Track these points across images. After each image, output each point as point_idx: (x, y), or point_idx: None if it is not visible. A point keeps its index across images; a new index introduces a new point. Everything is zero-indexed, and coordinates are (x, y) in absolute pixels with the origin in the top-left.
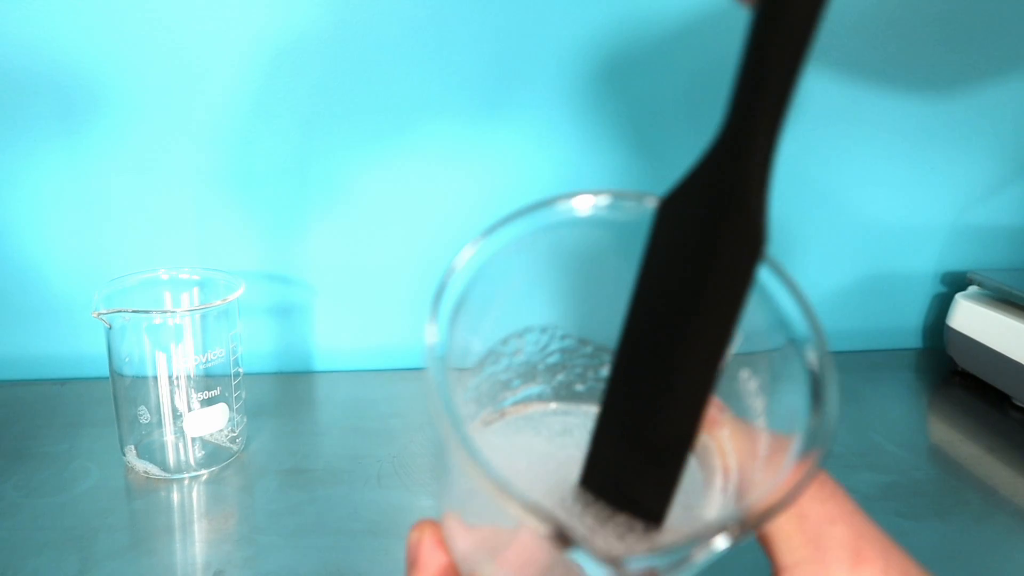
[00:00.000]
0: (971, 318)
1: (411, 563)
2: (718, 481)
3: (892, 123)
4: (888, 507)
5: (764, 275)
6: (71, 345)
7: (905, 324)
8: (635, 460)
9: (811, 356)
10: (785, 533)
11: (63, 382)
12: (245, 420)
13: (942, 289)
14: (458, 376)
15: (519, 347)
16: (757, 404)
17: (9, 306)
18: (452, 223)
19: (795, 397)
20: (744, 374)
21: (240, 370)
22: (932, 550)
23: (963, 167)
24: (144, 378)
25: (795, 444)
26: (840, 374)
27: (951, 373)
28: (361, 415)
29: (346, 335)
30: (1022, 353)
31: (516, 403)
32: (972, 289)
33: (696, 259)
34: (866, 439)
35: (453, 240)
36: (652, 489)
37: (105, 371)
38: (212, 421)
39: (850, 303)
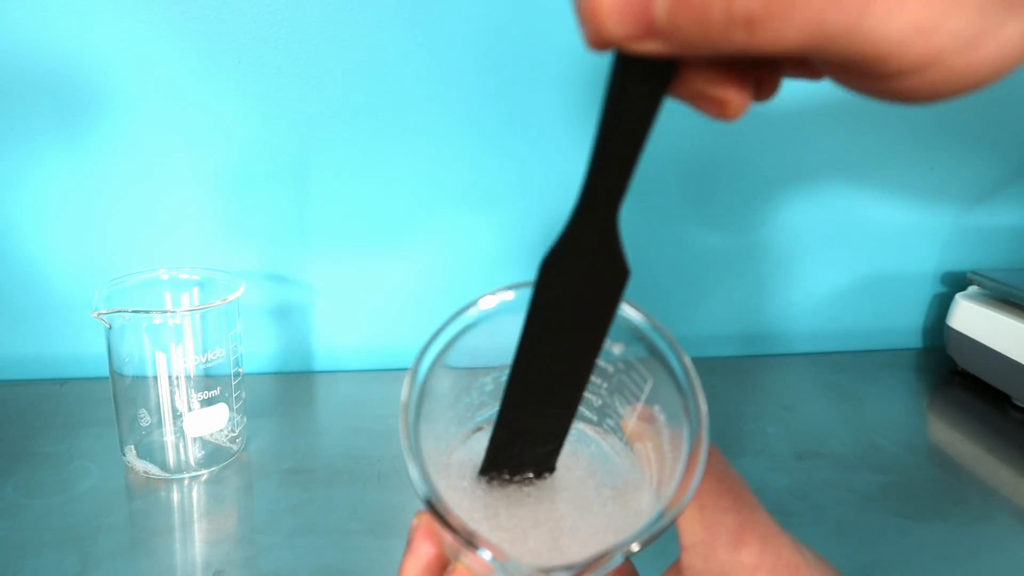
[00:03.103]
0: (971, 318)
1: (407, 547)
2: (647, 477)
3: (892, 123)
4: (888, 507)
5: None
6: (71, 345)
7: (905, 324)
8: (532, 434)
9: (675, 364)
10: (688, 518)
11: (63, 382)
12: (245, 420)
13: (942, 289)
14: (436, 409)
15: (485, 382)
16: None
17: (9, 306)
18: (452, 223)
19: (675, 402)
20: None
21: (240, 370)
22: (932, 550)
23: (963, 167)
24: (144, 378)
25: (683, 443)
26: (840, 374)
27: (951, 373)
28: (361, 415)
29: (346, 335)
30: (1022, 353)
31: (487, 418)
32: (972, 289)
33: (579, 285)
34: (866, 439)
35: (453, 240)
36: (542, 455)
37: (105, 371)
38: (212, 421)
39: (850, 303)
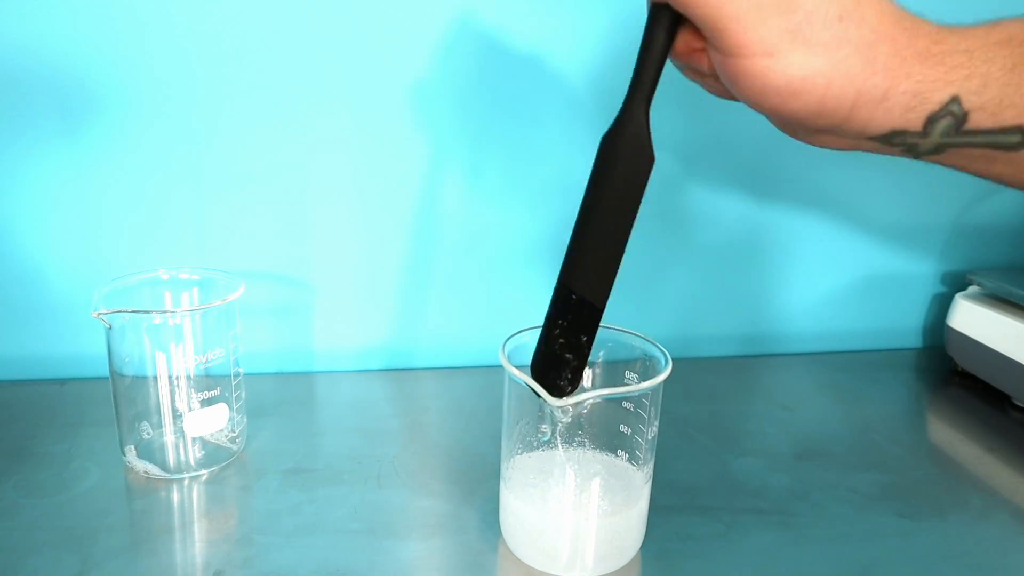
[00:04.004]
0: (971, 318)
1: None
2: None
3: None
4: (888, 507)
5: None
6: (71, 345)
7: (905, 324)
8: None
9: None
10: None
11: (63, 382)
12: (245, 420)
13: (942, 289)
14: None
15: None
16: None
17: (9, 306)
18: (452, 223)
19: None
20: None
21: (240, 370)
22: (932, 550)
23: None
24: (144, 378)
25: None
26: (840, 374)
27: (951, 373)
28: (361, 415)
29: (346, 335)
30: (1022, 353)
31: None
32: (972, 289)
33: (622, 160)
34: (866, 439)
35: (453, 240)
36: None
37: (105, 371)
38: (212, 421)
39: (850, 303)
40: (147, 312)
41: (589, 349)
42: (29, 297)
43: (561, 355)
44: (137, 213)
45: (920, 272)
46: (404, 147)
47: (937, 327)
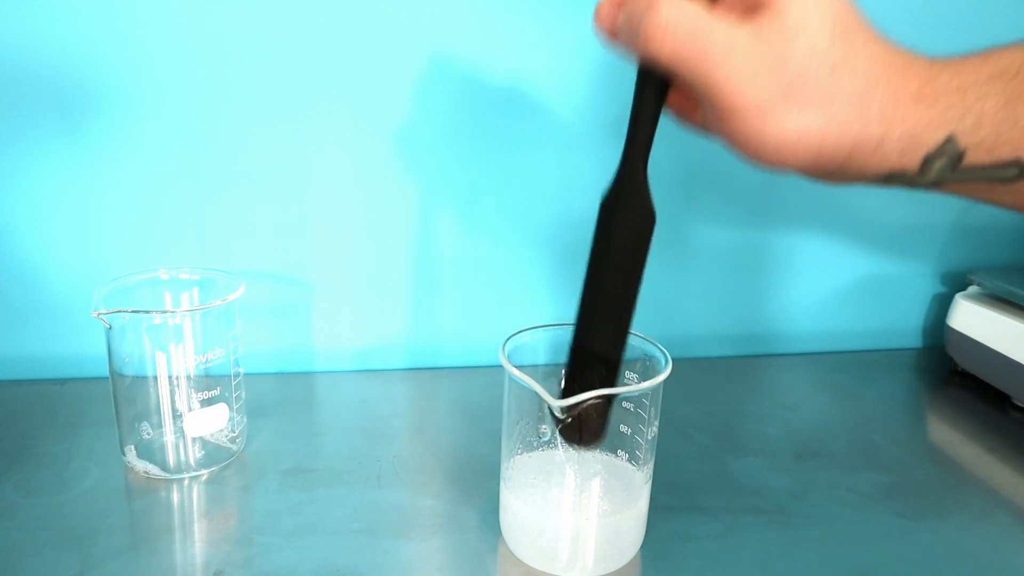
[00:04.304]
0: (971, 318)
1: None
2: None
3: None
4: (888, 507)
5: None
6: (71, 345)
7: (905, 324)
8: (594, 358)
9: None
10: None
11: (63, 382)
12: (245, 420)
13: (942, 289)
14: None
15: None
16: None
17: (9, 306)
18: (453, 223)
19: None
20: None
21: (240, 370)
22: (932, 550)
23: None
24: (144, 378)
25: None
26: (840, 374)
27: (951, 373)
28: (361, 415)
29: (346, 335)
30: (1022, 353)
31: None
32: (972, 289)
33: (622, 222)
34: (866, 439)
35: (453, 240)
36: (604, 377)
37: (105, 371)
38: (212, 421)
39: (850, 303)
40: (147, 312)
41: (611, 407)
42: (29, 297)
43: (586, 414)
44: (137, 213)
45: (920, 272)
46: (404, 147)
47: (937, 327)
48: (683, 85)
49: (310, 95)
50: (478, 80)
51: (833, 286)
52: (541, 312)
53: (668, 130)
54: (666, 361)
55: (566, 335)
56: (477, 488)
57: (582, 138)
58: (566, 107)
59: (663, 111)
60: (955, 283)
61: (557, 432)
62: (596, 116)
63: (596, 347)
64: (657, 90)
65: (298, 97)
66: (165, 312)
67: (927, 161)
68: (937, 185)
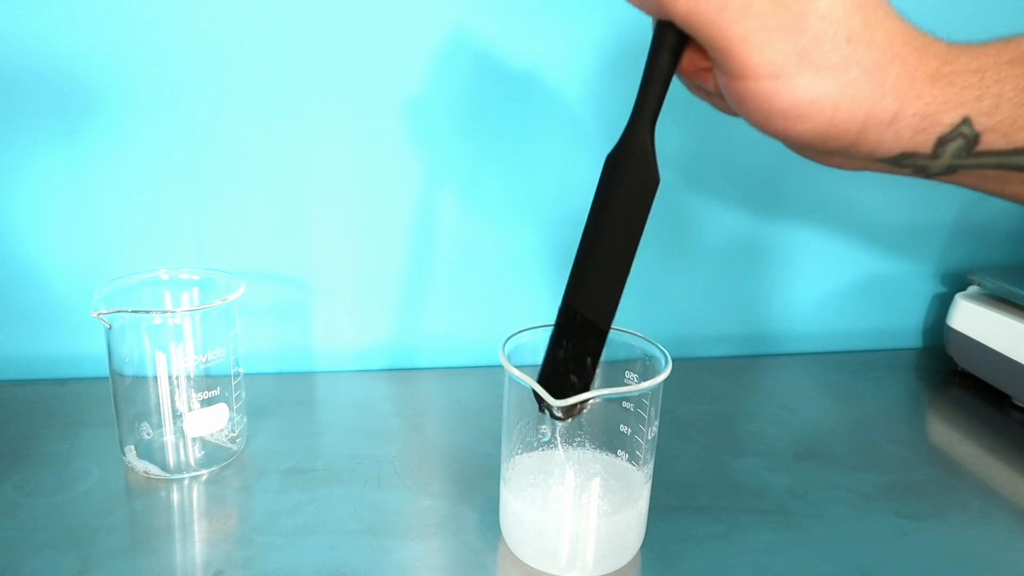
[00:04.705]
0: (971, 318)
1: None
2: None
3: None
4: (888, 507)
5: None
6: (71, 345)
7: (905, 324)
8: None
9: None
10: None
11: (63, 382)
12: (245, 420)
13: (942, 289)
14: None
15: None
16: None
17: (9, 306)
18: (453, 223)
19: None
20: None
21: (240, 370)
22: (932, 550)
23: None
24: (144, 378)
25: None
26: (840, 374)
27: (951, 373)
28: (361, 415)
29: (346, 335)
30: (1022, 353)
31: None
32: (972, 289)
33: (626, 180)
34: (866, 439)
35: (453, 240)
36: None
37: (105, 371)
38: (212, 421)
39: (850, 303)
40: (147, 312)
41: (594, 371)
42: (29, 297)
43: (565, 377)
44: (137, 213)
45: (920, 272)
46: (404, 146)
47: (937, 327)
48: (698, 44)
49: (310, 95)
50: (478, 81)
51: (833, 286)
52: (541, 312)
53: (669, 129)
54: (666, 361)
55: None
56: (477, 488)
57: (585, 138)
58: (568, 108)
59: (677, 77)
60: (955, 283)
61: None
62: (599, 118)
63: (586, 309)
64: (672, 50)
65: (298, 97)
66: (165, 312)
67: (941, 143)
68: (950, 172)
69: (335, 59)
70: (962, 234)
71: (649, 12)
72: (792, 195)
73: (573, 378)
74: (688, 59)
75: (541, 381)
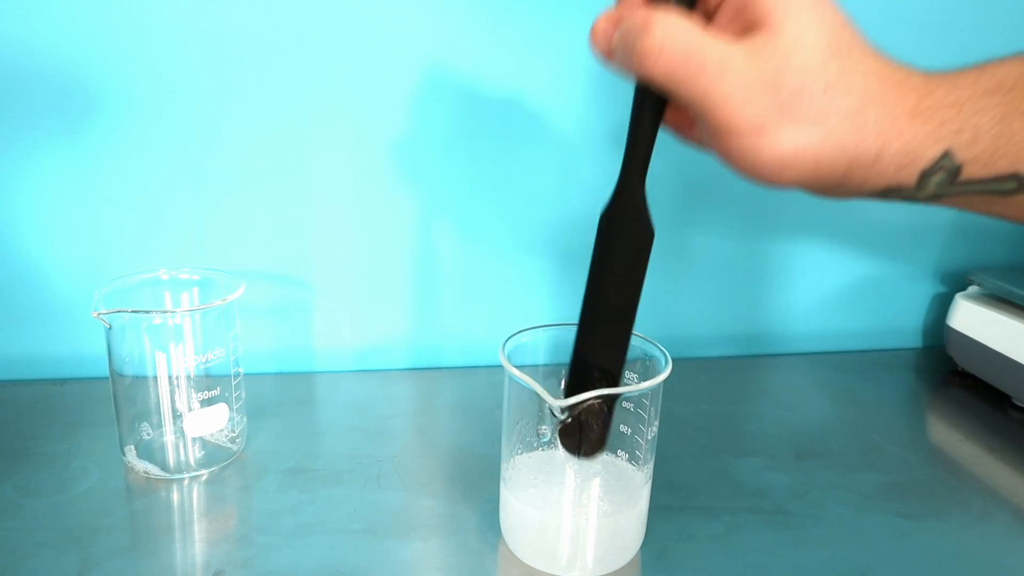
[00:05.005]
0: (971, 318)
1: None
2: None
3: None
4: (888, 507)
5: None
6: (71, 345)
7: (905, 324)
8: (593, 365)
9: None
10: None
11: (63, 382)
12: (245, 420)
13: (942, 289)
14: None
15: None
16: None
17: (9, 306)
18: (452, 223)
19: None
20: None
21: (240, 370)
22: (932, 550)
23: None
24: (144, 378)
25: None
26: (840, 374)
27: (951, 373)
28: (361, 415)
29: (346, 335)
30: (1022, 353)
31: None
32: (972, 289)
33: (621, 236)
34: (866, 439)
35: (453, 240)
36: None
37: (105, 371)
38: (212, 421)
39: (850, 303)
40: (147, 312)
41: (611, 416)
42: (29, 297)
43: (586, 421)
44: (137, 213)
45: (920, 272)
46: (404, 147)
47: (937, 327)
48: (679, 103)
49: (310, 95)
50: (478, 82)
51: (833, 286)
52: (541, 312)
53: (670, 133)
54: (666, 361)
55: (566, 335)
56: (477, 488)
57: (581, 140)
58: (565, 109)
59: (661, 128)
60: (955, 283)
61: (557, 440)
62: (595, 120)
63: (597, 359)
64: (654, 108)
65: (298, 97)
66: (165, 312)
67: (924, 176)
68: (936, 199)
69: (335, 59)
70: (962, 234)
71: (629, 75)
72: (793, 196)
73: (593, 423)
74: (671, 115)
75: (561, 428)
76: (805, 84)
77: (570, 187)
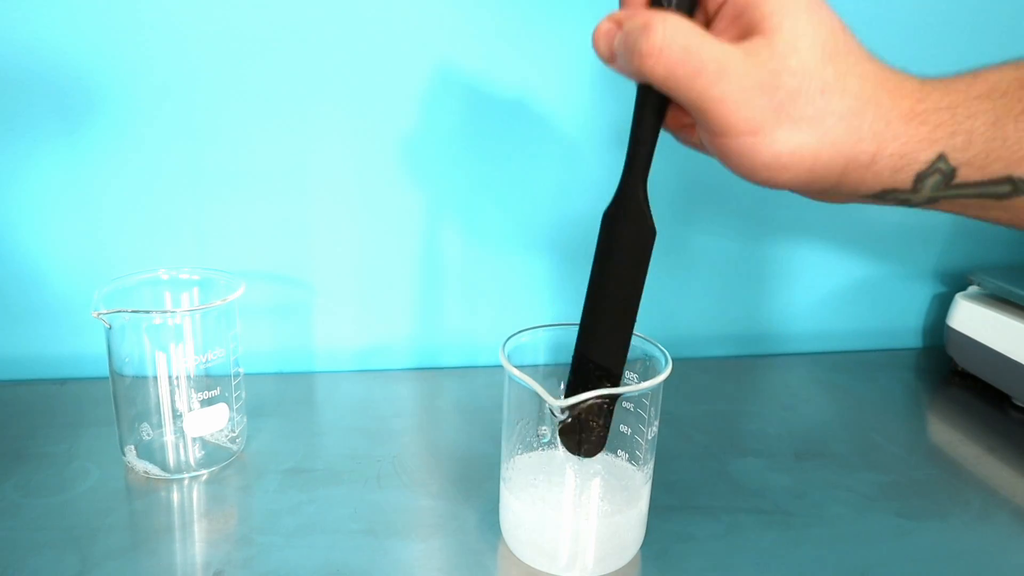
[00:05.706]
0: (971, 318)
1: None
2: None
3: None
4: (888, 507)
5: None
6: (71, 345)
7: (905, 324)
8: (594, 363)
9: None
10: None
11: (63, 382)
12: (245, 420)
13: (942, 289)
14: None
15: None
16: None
17: (9, 306)
18: (452, 223)
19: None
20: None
21: (240, 370)
22: (932, 550)
23: None
24: (144, 378)
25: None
26: (840, 374)
27: (951, 373)
28: (361, 415)
29: (346, 335)
30: (1022, 353)
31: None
32: (972, 289)
33: (623, 236)
34: (866, 439)
35: (453, 240)
36: (606, 380)
37: (105, 371)
38: (212, 421)
39: (850, 303)
40: (147, 312)
41: (612, 414)
42: (29, 297)
43: (586, 420)
44: (137, 213)
45: (920, 272)
46: (405, 146)
47: (937, 327)
48: (679, 104)
49: (311, 94)
50: (479, 82)
51: (833, 286)
52: (541, 312)
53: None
54: (666, 361)
55: (566, 335)
56: (477, 488)
57: (583, 140)
58: (567, 109)
59: (662, 130)
60: (955, 283)
61: (558, 439)
62: (597, 120)
63: (598, 358)
64: (656, 109)
65: (298, 96)
66: (165, 312)
67: (919, 179)
68: (931, 203)
69: (335, 58)
70: (962, 234)
71: (630, 77)
72: (792, 195)
73: (592, 422)
74: (671, 117)
75: (562, 426)
76: (802, 86)
77: (572, 187)
